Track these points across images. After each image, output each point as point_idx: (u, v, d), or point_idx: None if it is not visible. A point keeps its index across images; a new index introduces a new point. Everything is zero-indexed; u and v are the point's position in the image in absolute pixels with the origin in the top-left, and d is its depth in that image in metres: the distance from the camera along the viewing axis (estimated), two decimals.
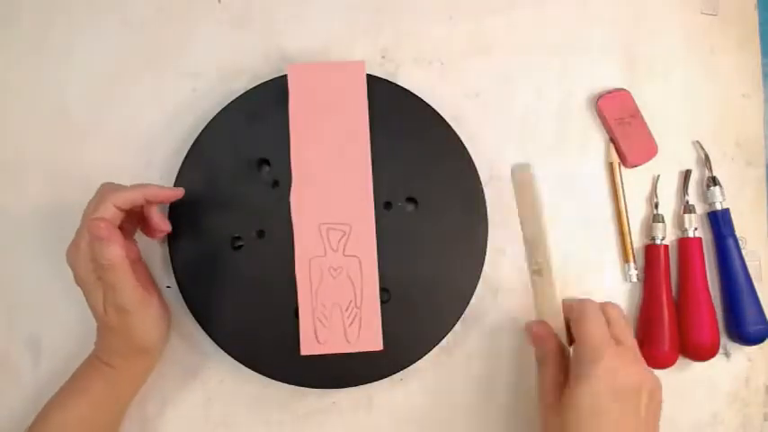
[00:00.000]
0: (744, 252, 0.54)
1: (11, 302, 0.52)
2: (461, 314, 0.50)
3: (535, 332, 0.47)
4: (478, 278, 0.51)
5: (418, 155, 0.52)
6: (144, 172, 0.53)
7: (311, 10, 0.56)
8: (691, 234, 0.54)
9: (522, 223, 0.48)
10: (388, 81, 0.52)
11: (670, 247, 0.54)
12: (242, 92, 0.52)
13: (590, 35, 0.57)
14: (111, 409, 0.47)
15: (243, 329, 0.50)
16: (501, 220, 0.53)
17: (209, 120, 0.51)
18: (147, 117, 0.54)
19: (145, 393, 0.50)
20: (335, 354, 0.48)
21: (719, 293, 0.55)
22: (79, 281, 0.44)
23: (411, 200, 0.52)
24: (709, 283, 0.54)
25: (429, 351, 0.50)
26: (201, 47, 0.55)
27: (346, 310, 0.49)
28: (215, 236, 0.50)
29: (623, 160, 0.55)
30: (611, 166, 0.55)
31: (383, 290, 0.50)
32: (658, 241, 0.54)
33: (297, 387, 0.49)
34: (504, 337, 0.53)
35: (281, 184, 0.51)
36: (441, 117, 0.52)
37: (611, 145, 0.55)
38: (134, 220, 0.48)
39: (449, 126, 0.52)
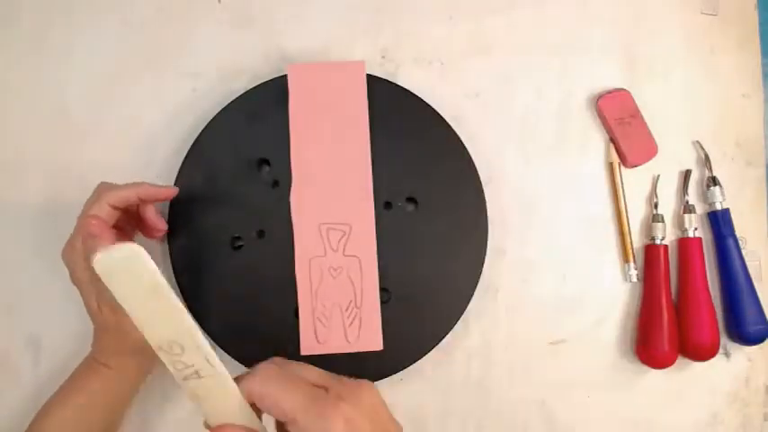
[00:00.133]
0: (744, 252, 0.54)
1: (11, 302, 0.52)
2: (461, 314, 0.50)
3: None
4: (478, 278, 0.51)
5: (418, 155, 0.52)
6: (144, 172, 0.53)
7: (311, 10, 0.56)
8: (691, 234, 0.54)
9: (143, 329, 0.31)
10: (388, 81, 0.52)
11: (670, 247, 0.54)
12: (242, 92, 0.52)
13: (590, 35, 0.57)
14: (109, 408, 0.47)
15: (243, 329, 0.50)
16: (501, 220, 0.53)
17: (209, 120, 0.51)
18: (147, 117, 0.54)
19: (145, 393, 0.50)
20: (335, 354, 0.48)
21: (719, 293, 0.55)
22: (75, 279, 0.44)
23: (411, 200, 0.52)
24: (709, 283, 0.54)
25: (429, 351, 0.50)
26: (201, 47, 0.55)
27: (346, 310, 0.49)
28: (215, 236, 0.50)
29: (623, 160, 0.55)
30: (611, 166, 0.55)
31: (383, 290, 0.50)
32: (658, 241, 0.54)
33: None
34: (504, 337, 0.53)
35: (281, 184, 0.51)
36: (441, 117, 0.52)
37: (611, 145, 0.55)
38: (132, 220, 0.48)
39: (449, 126, 0.52)
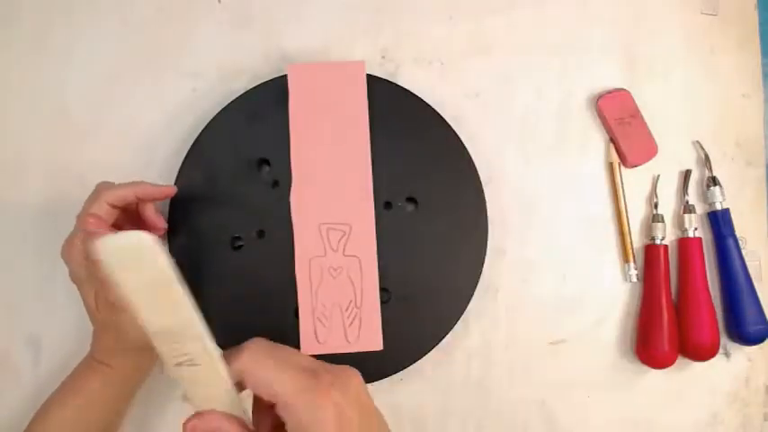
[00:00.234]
0: (744, 252, 0.54)
1: (11, 302, 0.52)
2: (461, 314, 0.50)
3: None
4: (478, 278, 0.51)
5: (418, 155, 0.52)
6: (144, 172, 0.53)
7: (311, 10, 0.56)
8: (691, 234, 0.54)
9: (141, 315, 0.30)
10: (388, 81, 0.52)
11: (670, 247, 0.54)
12: (242, 92, 0.52)
13: (590, 35, 0.57)
14: (109, 408, 0.47)
15: (243, 329, 0.49)
16: (501, 220, 0.53)
17: (209, 120, 0.51)
18: (147, 117, 0.54)
19: (145, 393, 0.50)
20: (335, 354, 0.48)
21: (719, 293, 0.55)
22: (73, 277, 0.45)
23: (411, 200, 0.52)
24: (709, 283, 0.54)
25: (429, 351, 0.50)
26: (201, 47, 0.55)
27: (346, 310, 0.49)
28: (215, 236, 0.50)
29: (623, 160, 0.55)
30: (611, 166, 0.55)
31: (383, 290, 0.50)
32: (658, 241, 0.54)
33: None
34: (504, 337, 0.53)
35: (281, 184, 0.51)
36: (441, 117, 0.52)
37: (611, 145, 0.55)
38: (132, 219, 0.48)
39: (449, 126, 0.52)
